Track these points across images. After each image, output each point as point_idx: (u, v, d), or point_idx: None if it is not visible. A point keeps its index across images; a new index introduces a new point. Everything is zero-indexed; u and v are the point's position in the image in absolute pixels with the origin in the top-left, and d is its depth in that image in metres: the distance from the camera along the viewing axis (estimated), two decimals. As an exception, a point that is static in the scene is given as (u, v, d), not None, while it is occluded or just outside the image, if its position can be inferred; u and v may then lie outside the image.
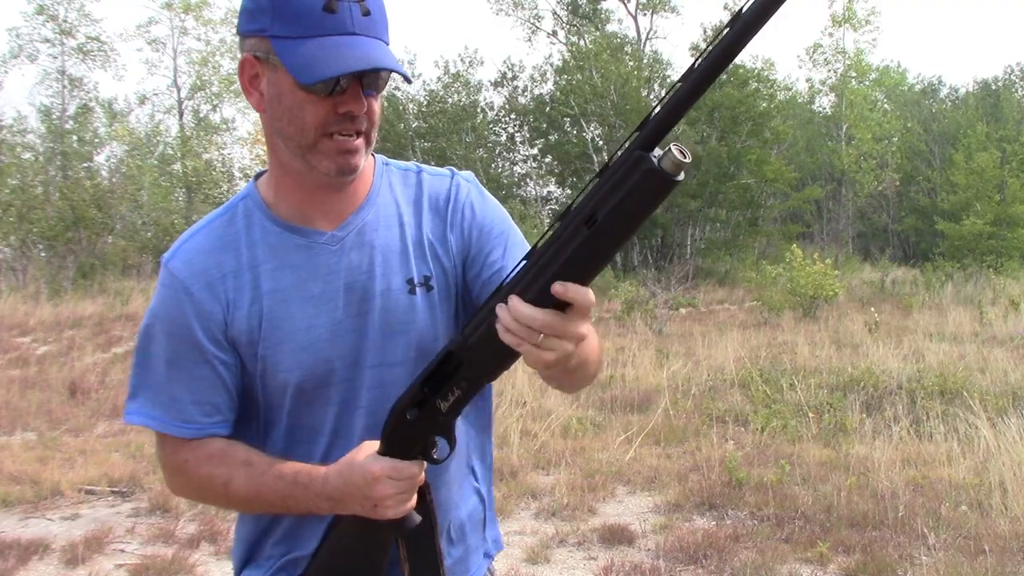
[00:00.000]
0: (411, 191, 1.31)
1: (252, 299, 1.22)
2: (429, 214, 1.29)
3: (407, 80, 1.15)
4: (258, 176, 1.30)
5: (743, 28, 0.86)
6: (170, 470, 1.28)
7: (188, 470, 1.26)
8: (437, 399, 1.13)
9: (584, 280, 0.97)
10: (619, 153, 0.95)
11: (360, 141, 1.16)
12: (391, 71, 1.12)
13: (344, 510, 1.19)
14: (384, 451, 1.15)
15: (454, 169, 1.36)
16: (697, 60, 0.89)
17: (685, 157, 0.91)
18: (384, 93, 1.22)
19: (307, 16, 1.08)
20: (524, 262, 1.01)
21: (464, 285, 1.30)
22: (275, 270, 1.23)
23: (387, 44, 1.14)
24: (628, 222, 0.94)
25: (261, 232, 1.24)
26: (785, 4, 0.84)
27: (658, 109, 0.92)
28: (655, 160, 0.92)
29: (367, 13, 1.10)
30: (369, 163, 1.30)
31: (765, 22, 0.86)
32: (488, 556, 1.43)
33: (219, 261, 1.23)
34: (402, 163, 1.35)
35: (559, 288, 0.94)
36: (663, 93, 0.91)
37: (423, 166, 1.35)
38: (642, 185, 0.92)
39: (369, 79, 1.13)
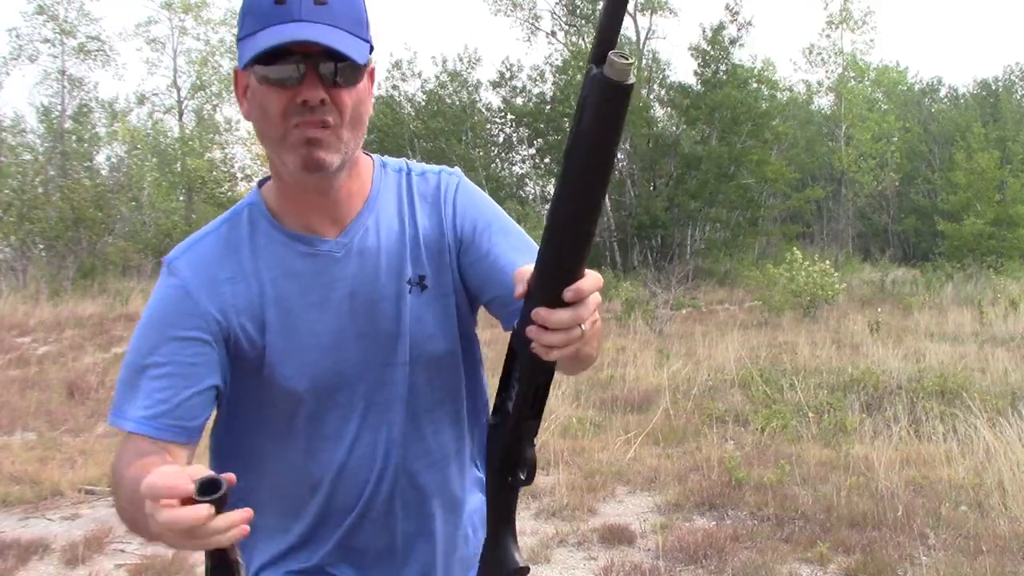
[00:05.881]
0: (405, 191, 1.32)
1: (255, 306, 1.23)
2: (422, 213, 1.31)
3: (354, 63, 1.11)
4: (262, 183, 1.31)
5: None
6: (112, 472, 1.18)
7: (115, 470, 1.15)
8: (506, 401, 1.12)
9: (579, 224, 0.93)
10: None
11: (327, 133, 1.14)
12: (324, 47, 1.09)
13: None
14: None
15: (443, 166, 1.37)
16: None
17: (625, 58, 0.88)
18: (372, 89, 1.21)
19: (260, 11, 1.12)
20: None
21: (463, 278, 1.32)
22: (279, 278, 1.24)
23: (349, 33, 1.13)
24: (593, 140, 0.91)
25: (266, 240, 1.25)
26: None
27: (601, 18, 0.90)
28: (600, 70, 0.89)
29: (321, 2, 1.11)
30: (367, 166, 1.31)
31: None
32: None
33: (222, 267, 1.23)
34: (395, 162, 1.36)
35: (570, 295, 0.92)
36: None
37: (412, 165, 1.36)
38: (592, 97, 0.90)
39: (326, 68, 1.12)
